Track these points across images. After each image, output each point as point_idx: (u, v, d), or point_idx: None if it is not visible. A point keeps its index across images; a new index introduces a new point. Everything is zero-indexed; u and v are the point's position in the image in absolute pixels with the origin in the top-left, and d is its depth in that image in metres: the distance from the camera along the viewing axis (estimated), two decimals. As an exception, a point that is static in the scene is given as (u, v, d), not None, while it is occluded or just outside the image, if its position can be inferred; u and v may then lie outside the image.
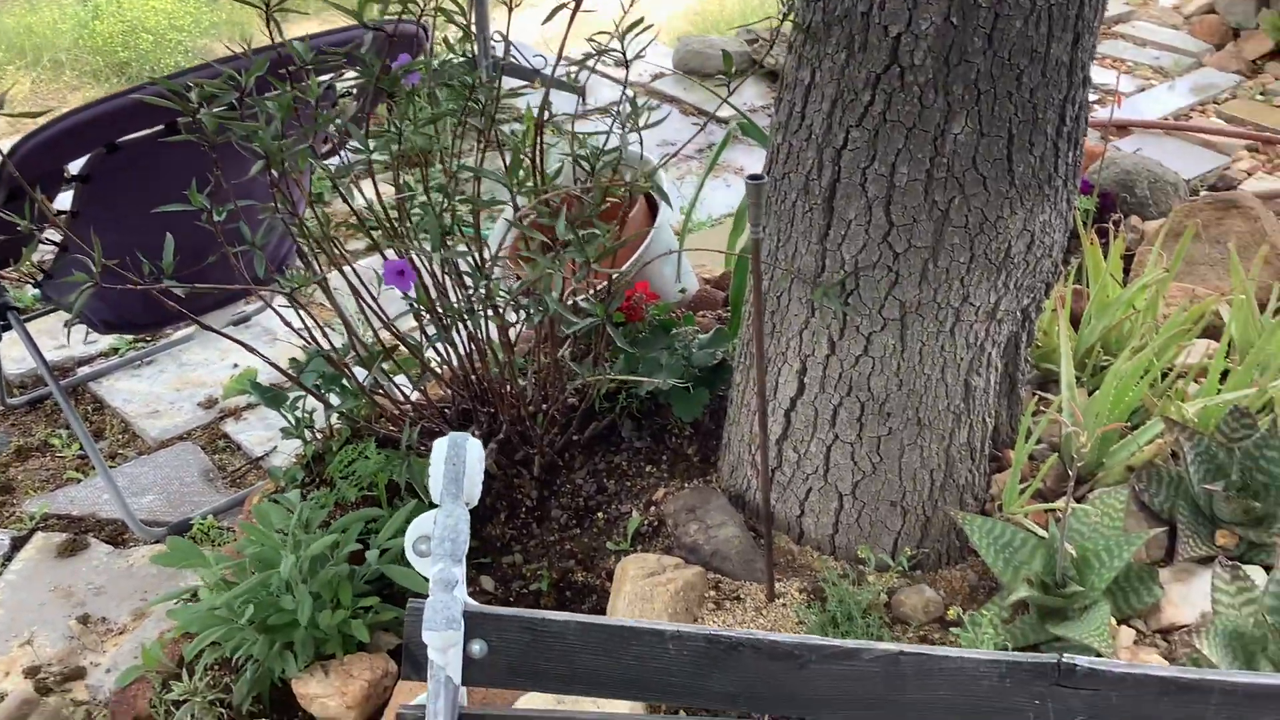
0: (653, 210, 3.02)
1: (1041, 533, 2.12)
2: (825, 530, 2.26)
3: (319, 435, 2.54)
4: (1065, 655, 1.26)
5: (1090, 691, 1.26)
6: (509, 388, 2.35)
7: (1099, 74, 5.64)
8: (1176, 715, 1.25)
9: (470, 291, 2.20)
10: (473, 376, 2.35)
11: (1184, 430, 2.12)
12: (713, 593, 2.17)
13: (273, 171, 2.05)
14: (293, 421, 2.45)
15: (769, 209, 2.20)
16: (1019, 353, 2.34)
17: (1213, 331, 2.77)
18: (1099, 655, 1.94)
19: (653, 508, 2.38)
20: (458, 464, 1.26)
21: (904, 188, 2.02)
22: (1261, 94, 5.53)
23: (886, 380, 2.13)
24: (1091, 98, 5.41)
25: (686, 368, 2.40)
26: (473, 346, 2.32)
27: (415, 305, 2.21)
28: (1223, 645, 1.84)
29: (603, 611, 2.22)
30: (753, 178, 1.81)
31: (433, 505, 1.29)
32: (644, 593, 2.11)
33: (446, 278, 2.25)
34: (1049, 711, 1.27)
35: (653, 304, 2.54)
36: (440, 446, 1.28)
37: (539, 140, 2.18)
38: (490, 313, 2.25)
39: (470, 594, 2.36)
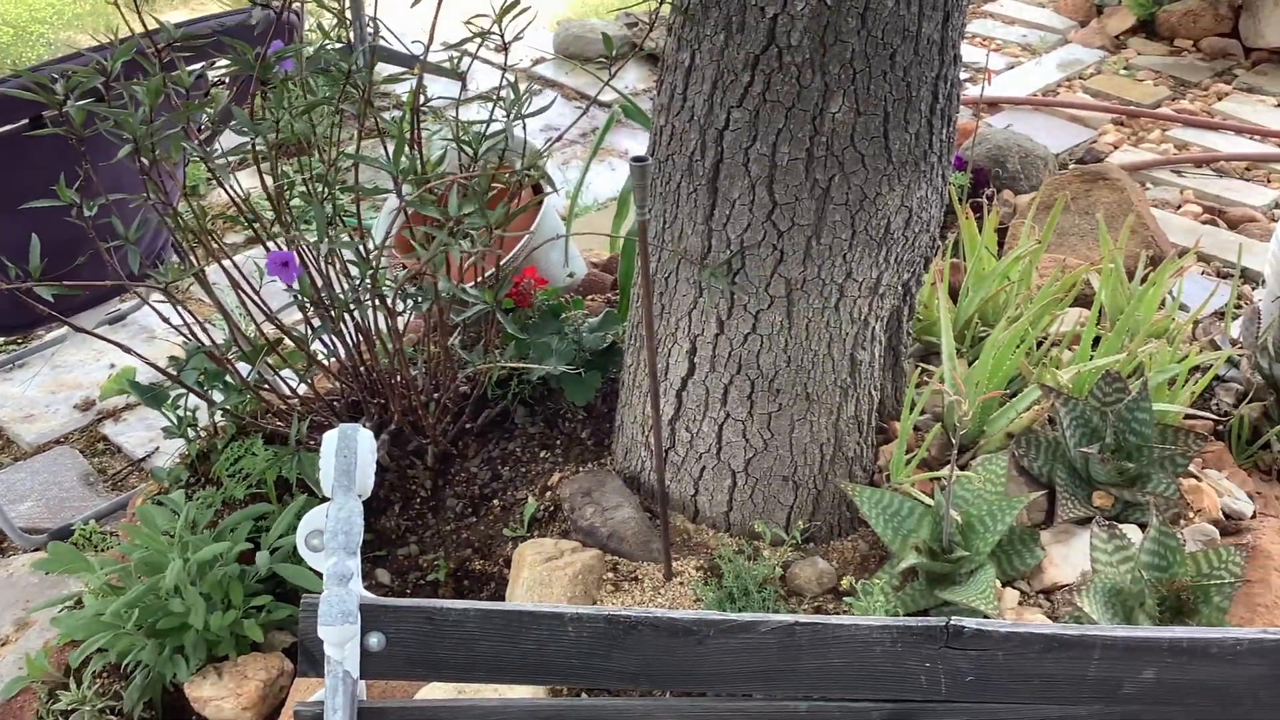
0: (538, 197, 3.01)
1: (928, 501, 2.18)
2: (720, 508, 2.28)
3: (203, 434, 2.48)
4: (954, 618, 1.30)
5: (978, 652, 1.30)
6: (399, 378, 2.33)
7: (969, 52, 5.78)
8: (1060, 670, 1.30)
9: (356, 281, 2.18)
10: (361, 368, 2.32)
11: (1059, 396, 2.19)
12: (611, 574, 2.18)
13: (142, 159, 1.99)
14: (175, 421, 2.39)
15: (654, 191, 2.21)
16: (901, 326, 2.39)
17: (1084, 300, 2.87)
18: (985, 617, 2.00)
19: (548, 493, 2.38)
20: (348, 456, 1.24)
21: (786, 167, 2.05)
22: (1125, 69, 5.72)
23: (775, 357, 2.16)
24: (963, 75, 5.57)
25: (577, 352, 2.40)
26: (360, 338, 2.29)
27: (300, 298, 2.17)
28: (1103, 602, 1.91)
29: (502, 598, 2.21)
30: (636, 160, 1.82)
31: (324, 499, 1.27)
32: (542, 578, 2.11)
33: (330, 268, 2.22)
34: (939, 673, 1.31)
35: (541, 289, 2.54)
36: (330, 439, 1.26)
37: (416, 125, 2.15)
38: (377, 302, 2.22)
39: (366, 587, 2.34)
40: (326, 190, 2.15)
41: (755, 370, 2.17)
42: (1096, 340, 2.62)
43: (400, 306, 2.19)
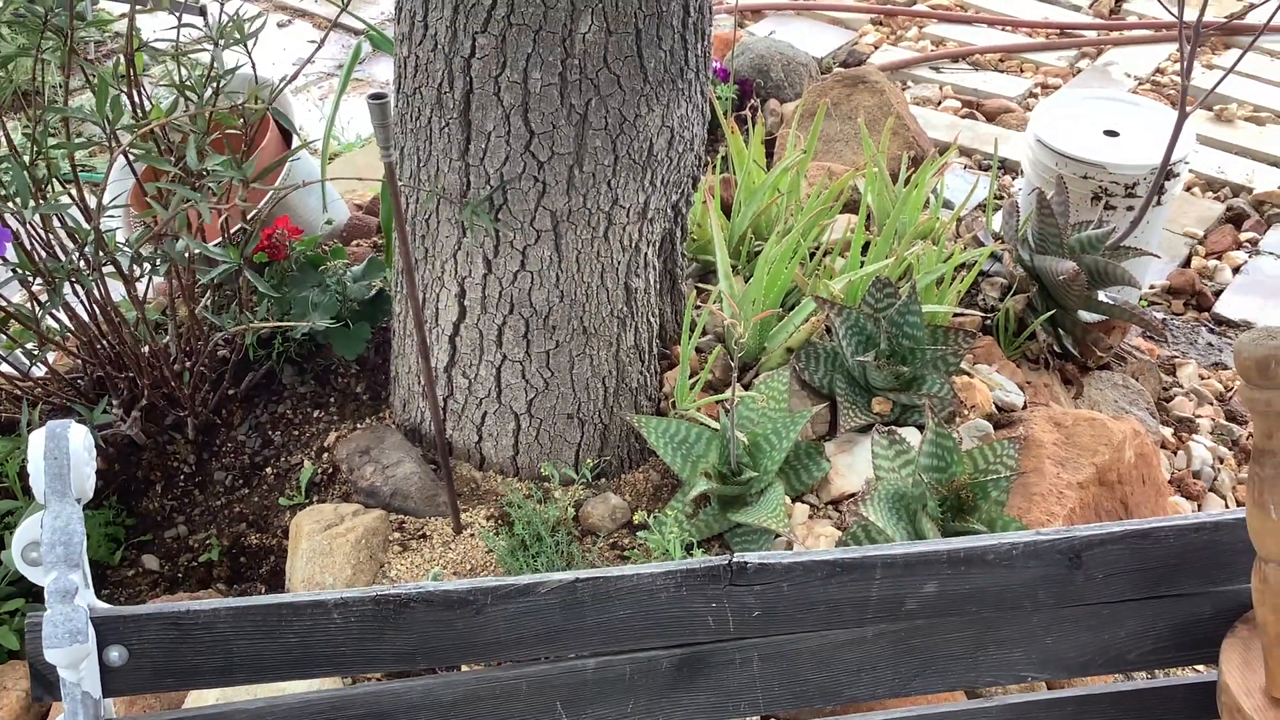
0: (287, 138, 2.82)
1: (715, 426, 2.15)
2: (506, 453, 2.21)
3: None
4: (736, 555, 1.27)
5: (763, 585, 1.27)
6: (145, 348, 2.15)
7: (730, -42, 5.73)
8: (845, 594, 1.28)
9: (82, 246, 1.98)
10: (101, 342, 2.13)
11: (833, 306, 2.19)
12: (397, 534, 2.09)
13: None
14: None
15: (406, 127, 2.09)
16: (675, 249, 2.34)
17: (854, 206, 2.88)
18: (777, 535, 2.01)
19: (325, 454, 2.26)
20: (60, 458, 1.11)
21: (539, 94, 1.95)
22: (880, -36, 5.76)
23: (547, 293, 2.08)
24: (724, -17, 5.53)
25: (341, 304, 2.27)
26: (95, 309, 2.10)
27: (18, 270, 1.97)
28: (887, 508, 1.93)
29: (282, 573, 2.09)
30: (374, 97, 1.69)
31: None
32: (322, 547, 2.00)
33: (51, 235, 2.01)
34: (726, 612, 1.27)
35: (297, 239, 2.38)
36: (37, 440, 1.12)
37: (132, 70, 1.96)
38: (110, 269, 2.03)
39: (132, 575, 2.18)
40: (36, 149, 1.94)
41: (528, 308, 2.09)
42: (866, 246, 2.64)
43: (137, 271, 2.01)
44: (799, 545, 2.00)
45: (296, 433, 2.33)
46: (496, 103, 1.96)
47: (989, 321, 2.50)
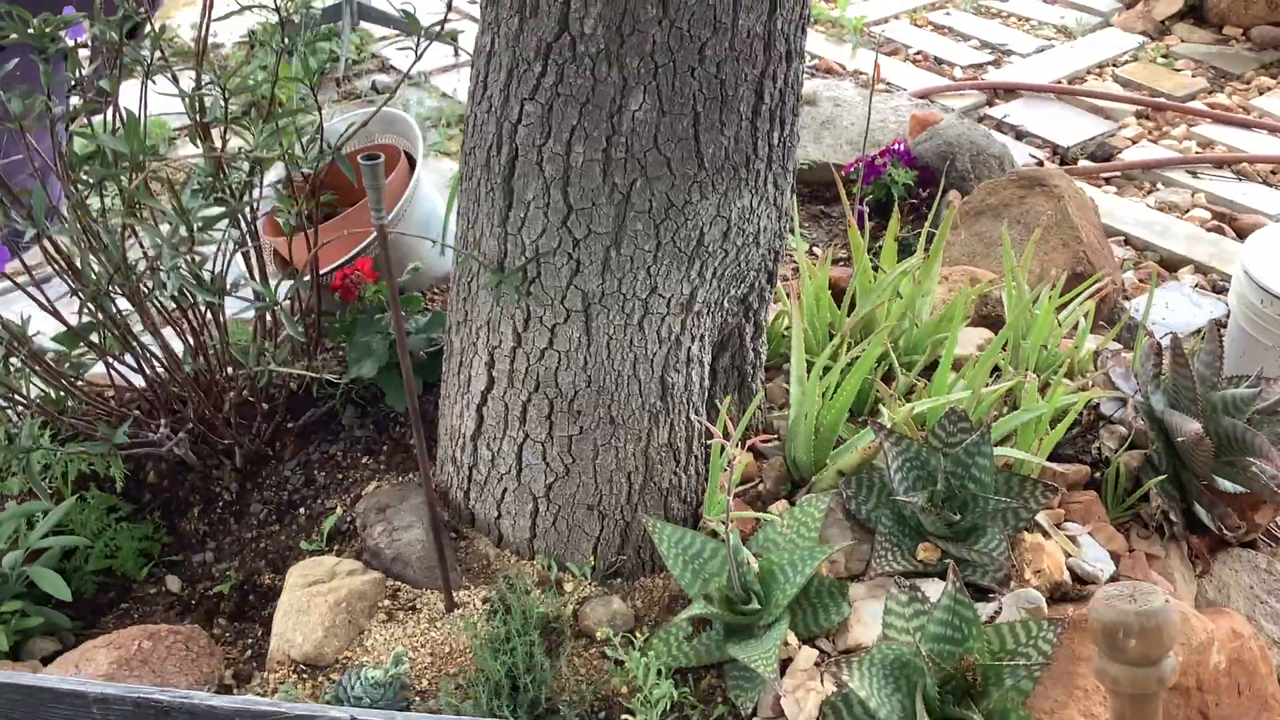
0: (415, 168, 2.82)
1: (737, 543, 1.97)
2: (523, 534, 2.10)
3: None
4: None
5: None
6: (200, 379, 2.18)
7: (996, 32, 5.44)
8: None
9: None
10: (150, 367, 2.17)
11: (888, 433, 1.97)
12: (388, 602, 2.02)
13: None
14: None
15: (462, 186, 2.03)
16: (744, 345, 2.18)
17: (996, 321, 2.61)
18: (763, 680, 1.81)
19: (359, 503, 2.22)
20: None
21: (581, 169, 1.85)
22: (1164, 56, 5.33)
23: (574, 376, 1.97)
24: (986, 59, 5.25)
25: (393, 352, 2.23)
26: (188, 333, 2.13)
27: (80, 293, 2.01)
28: (881, 677, 1.69)
29: (276, 619, 2.06)
30: (367, 158, 1.64)
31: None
32: (299, 604, 1.95)
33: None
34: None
35: (371, 284, 2.37)
36: None
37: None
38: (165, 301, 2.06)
39: (154, 594, 2.21)
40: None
41: (554, 389, 1.98)
42: (997, 369, 2.38)
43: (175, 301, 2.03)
44: (786, 698, 1.80)
45: (340, 476, 2.30)
46: (538, 172, 1.87)
47: (1099, 474, 2.19)
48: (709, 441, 2.10)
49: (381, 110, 2.85)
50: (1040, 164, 4.22)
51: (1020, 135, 4.51)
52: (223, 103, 1.99)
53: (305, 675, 1.92)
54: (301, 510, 2.26)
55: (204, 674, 1.92)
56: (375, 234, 2.48)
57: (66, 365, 2.02)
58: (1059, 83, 5.13)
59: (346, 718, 1.11)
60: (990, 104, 4.84)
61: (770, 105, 1.92)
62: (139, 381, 2.35)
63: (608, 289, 1.91)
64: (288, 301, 2.40)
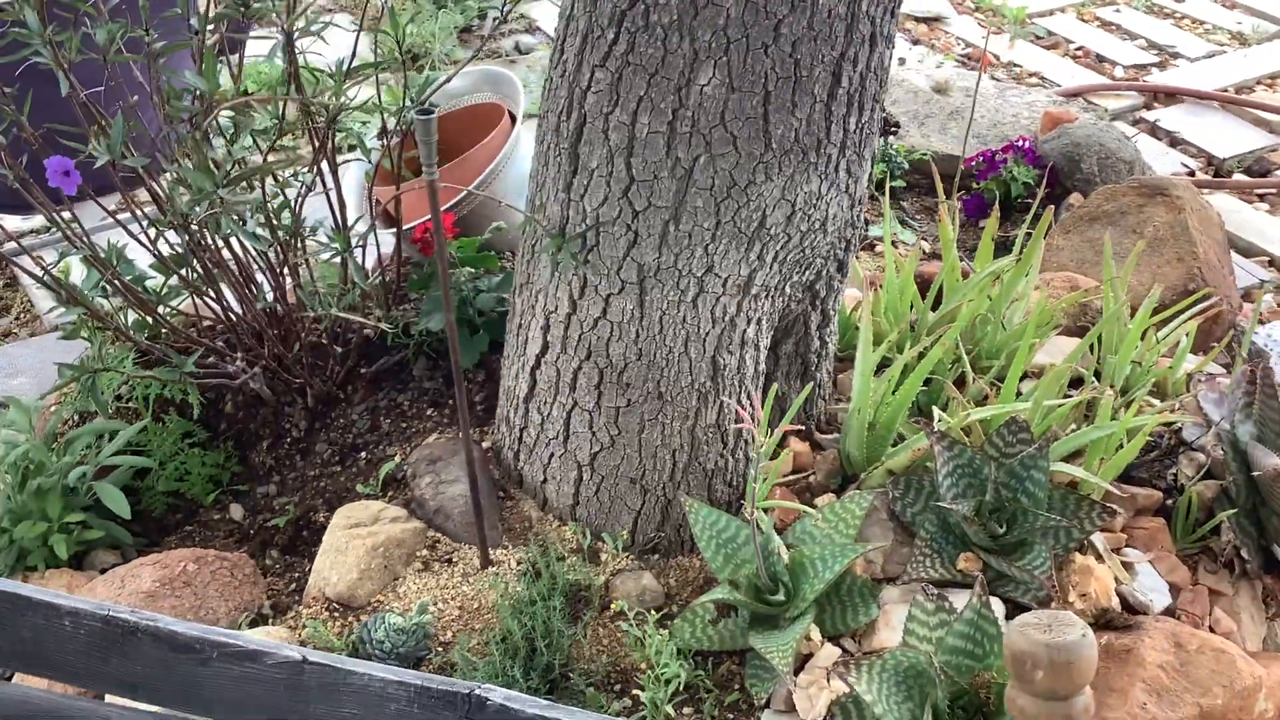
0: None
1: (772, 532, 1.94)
2: (566, 500, 2.11)
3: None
4: (479, 688, 1.12)
5: (503, 731, 1.11)
6: (272, 319, 2.24)
7: (1167, 33, 5.17)
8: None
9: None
10: (222, 303, 2.24)
11: (940, 437, 1.91)
12: (426, 552, 2.05)
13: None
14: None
15: (537, 149, 2.03)
16: (809, 333, 2.14)
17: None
18: (771, 673, 1.78)
19: (413, 454, 2.26)
20: None
21: (645, 140, 1.84)
22: (1347, 71, 4.99)
23: (625, 348, 1.96)
24: (1151, 60, 5.01)
25: (460, 309, 2.26)
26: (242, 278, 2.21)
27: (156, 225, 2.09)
28: (893, 684, 1.65)
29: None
30: (421, 111, 1.65)
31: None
32: (339, 544, 2.00)
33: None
34: (460, 748, 1.13)
35: (454, 240, 2.40)
36: None
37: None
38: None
39: (217, 519, 2.29)
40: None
41: (605, 359, 1.98)
42: (1080, 381, 2.29)
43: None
44: (798, 693, 1.76)
45: (404, 425, 2.35)
46: (604, 140, 1.86)
47: (1171, 502, 2.08)
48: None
49: (488, 69, 2.89)
50: (1191, 174, 4.02)
51: (1175, 142, 4.29)
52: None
53: (337, 614, 1.97)
54: (363, 454, 2.31)
55: (243, 601, 1.99)
56: (464, 191, 2.52)
57: (151, 294, 2.10)
58: (1224, 91, 4.86)
59: (299, 657, 1.13)
60: (1148, 107, 4.61)
61: (848, 89, 1.87)
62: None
63: (664, 263, 1.89)
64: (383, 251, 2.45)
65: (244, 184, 1.80)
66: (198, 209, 1.81)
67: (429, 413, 2.37)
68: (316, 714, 1.15)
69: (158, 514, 2.30)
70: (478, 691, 1.12)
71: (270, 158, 1.95)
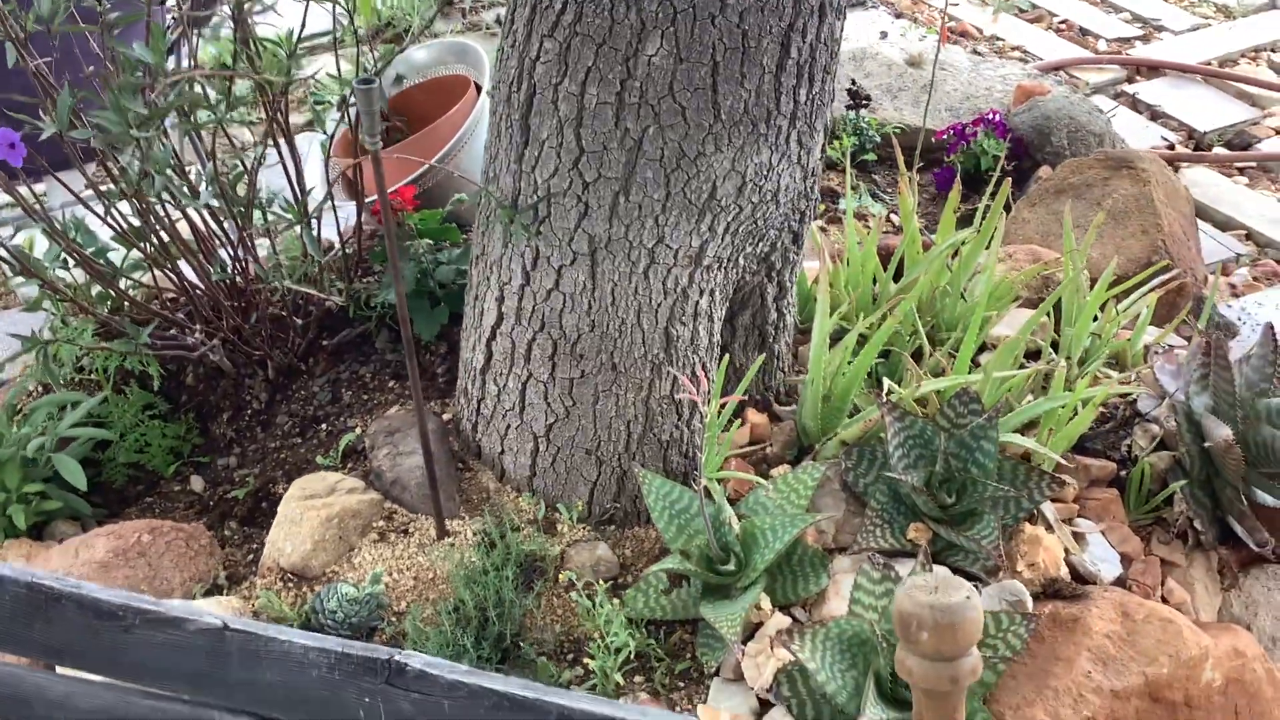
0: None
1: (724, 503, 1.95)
2: (523, 472, 2.12)
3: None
4: (399, 654, 1.12)
5: (422, 696, 1.13)
6: (227, 293, 2.24)
7: (1149, 6, 5.15)
8: (507, 734, 1.11)
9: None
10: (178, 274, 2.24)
11: (891, 408, 1.91)
12: (382, 523, 2.06)
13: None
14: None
15: (490, 121, 2.03)
16: (765, 304, 2.14)
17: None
18: (722, 642, 1.79)
19: (372, 425, 2.27)
20: None
21: (594, 110, 1.83)
22: (1331, 45, 4.97)
23: (578, 319, 1.96)
24: (1135, 33, 4.99)
25: (420, 281, 2.26)
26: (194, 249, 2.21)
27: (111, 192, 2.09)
28: (837, 652, 1.66)
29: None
30: (362, 82, 1.64)
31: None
32: (294, 515, 2.01)
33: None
34: (380, 710, 1.14)
35: (412, 213, 2.39)
36: None
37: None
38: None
39: (177, 491, 2.30)
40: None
41: (558, 330, 1.98)
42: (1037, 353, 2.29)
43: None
44: (746, 661, 1.77)
45: (366, 397, 2.35)
46: (554, 111, 1.86)
47: (1124, 472, 2.09)
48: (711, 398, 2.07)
49: (455, 41, 2.88)
50: (1171, 147, 4.01)
51: (1155, 116, 4.28)
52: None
53: (291, 584, 1.98)
54: (324, 426, 2.31)
55: (198, 572, 2.00)
56: (426, 165, 2.52)
57: (108, 267, 2.10)
58: (1208, 64, 4.85)
59: (219, 624, 1.14)
60: (1130, 80, 4.60)
61: (798, 60, 1.87)
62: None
63: (615, 235, 1.89)
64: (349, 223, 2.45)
65: (156, 124, 1.78)
66: (134, 163, 1.80)
67: (391, 385, 2.37)
68: (238, 679, 1.16)
69: (118, 485, 2.30)
70: (397, 657, 1.12)
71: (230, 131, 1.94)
